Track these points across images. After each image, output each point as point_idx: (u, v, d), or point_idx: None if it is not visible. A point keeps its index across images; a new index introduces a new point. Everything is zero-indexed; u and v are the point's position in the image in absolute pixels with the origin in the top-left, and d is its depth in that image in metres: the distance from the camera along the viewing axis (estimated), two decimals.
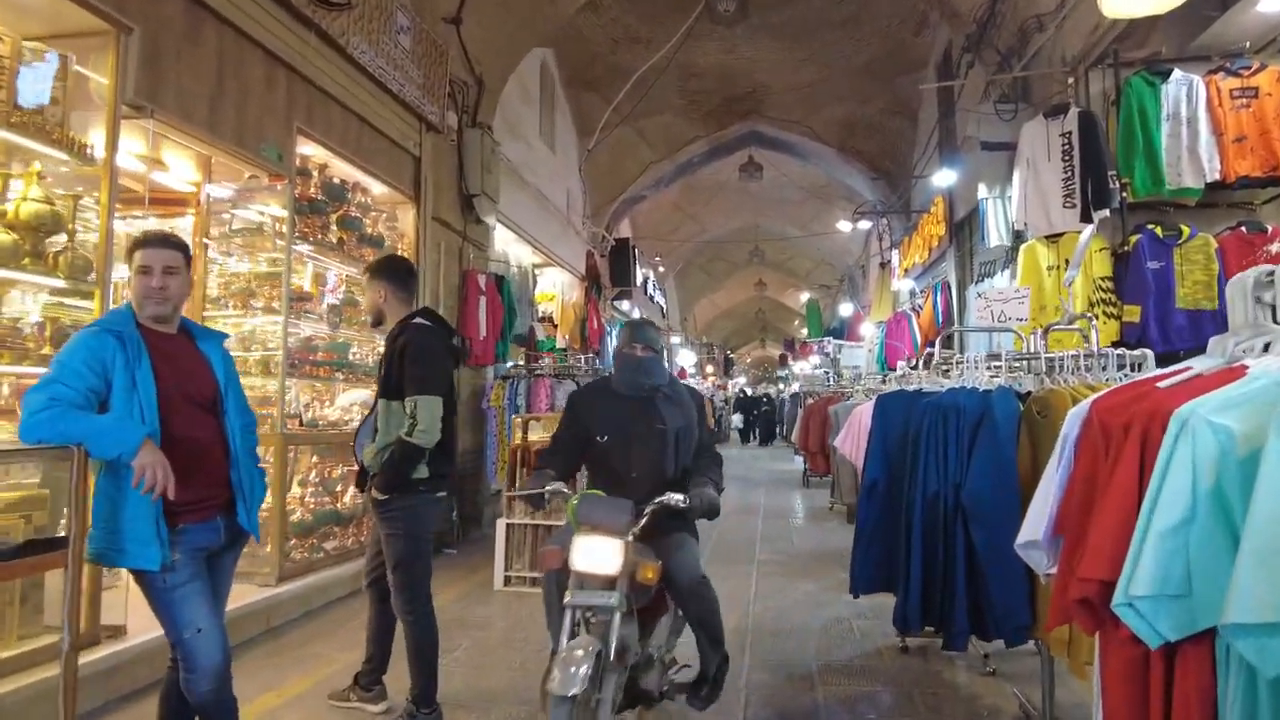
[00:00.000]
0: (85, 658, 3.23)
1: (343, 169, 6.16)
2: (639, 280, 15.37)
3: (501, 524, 5.71)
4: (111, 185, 3.71)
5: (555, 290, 11.84)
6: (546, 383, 7.57)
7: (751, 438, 23.53)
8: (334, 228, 6.04)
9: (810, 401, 10.05)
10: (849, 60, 11.52)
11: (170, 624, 2.32)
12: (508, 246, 10.02)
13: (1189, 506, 1.26)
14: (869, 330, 14.39)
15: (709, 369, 28.18)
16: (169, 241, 2.50)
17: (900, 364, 12.14)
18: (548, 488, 2.79)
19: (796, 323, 30.28)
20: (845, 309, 16.12)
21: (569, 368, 8.32)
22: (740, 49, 11.58)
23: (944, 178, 8.83)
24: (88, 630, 3.37)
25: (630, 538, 2.52)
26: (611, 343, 13.56)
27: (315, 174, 5.96)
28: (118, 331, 2.32)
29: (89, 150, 3.66)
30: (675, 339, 22.22)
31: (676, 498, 2.65)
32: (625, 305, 15.39)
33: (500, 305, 8.11)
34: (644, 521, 2.60)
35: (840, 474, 6.18)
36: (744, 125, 13.36)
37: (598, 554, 2.48)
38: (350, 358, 6.31)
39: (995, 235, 6.32)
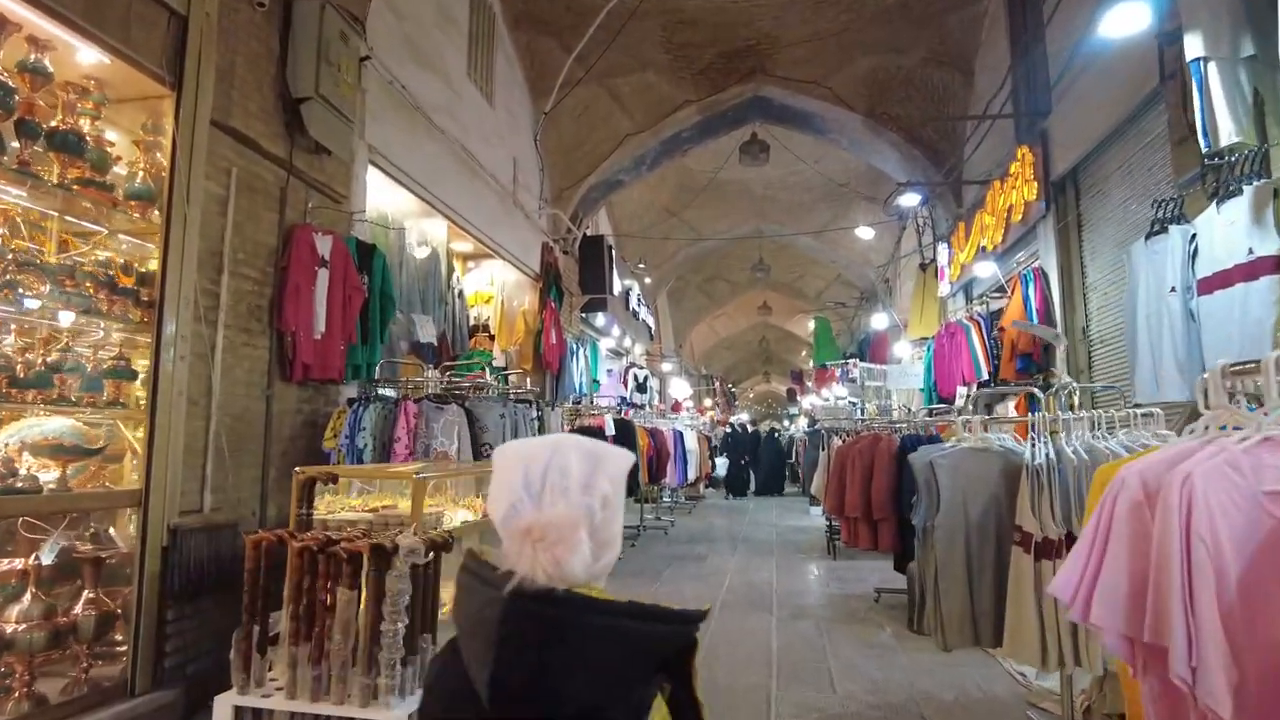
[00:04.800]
0: None
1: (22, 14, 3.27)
2: (618, 289, 12.39)
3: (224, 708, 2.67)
4: None
5: (493, 289, 8.85)
6: (410, 409, 4.55)
7: (745, 489, 18.12)
8: None
9: (843, 443, 6.97)
10: None
11: None
12: (411, 218, 7.07)
13: None
14: (904, 350, 11.35)
15: (707, 402, 25.01)
16: None
17: (960, 391, 9.16)
18: None
19: (805, 353, 27.17)
20: (879, 320, 12.99)
21: (476, 389, 5.33)
22: None
23: (1064, 111, 5.86)
24: None
25: None
26: (577, 366, 10.53)
27: None
28: None
29: None
30: (667, 366, 19.15)
31: None
32: (599, 320, 12.38)
33: (359, 288, 5.12)
34: None
35: (942, 589, 3.09)
36: (745, 88, 10.47)
37: None
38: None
39: (1229, 123, 3.35)
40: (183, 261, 3.91)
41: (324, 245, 4.90)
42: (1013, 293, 6.70)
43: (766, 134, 11.89)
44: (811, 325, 21.24)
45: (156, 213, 3.92)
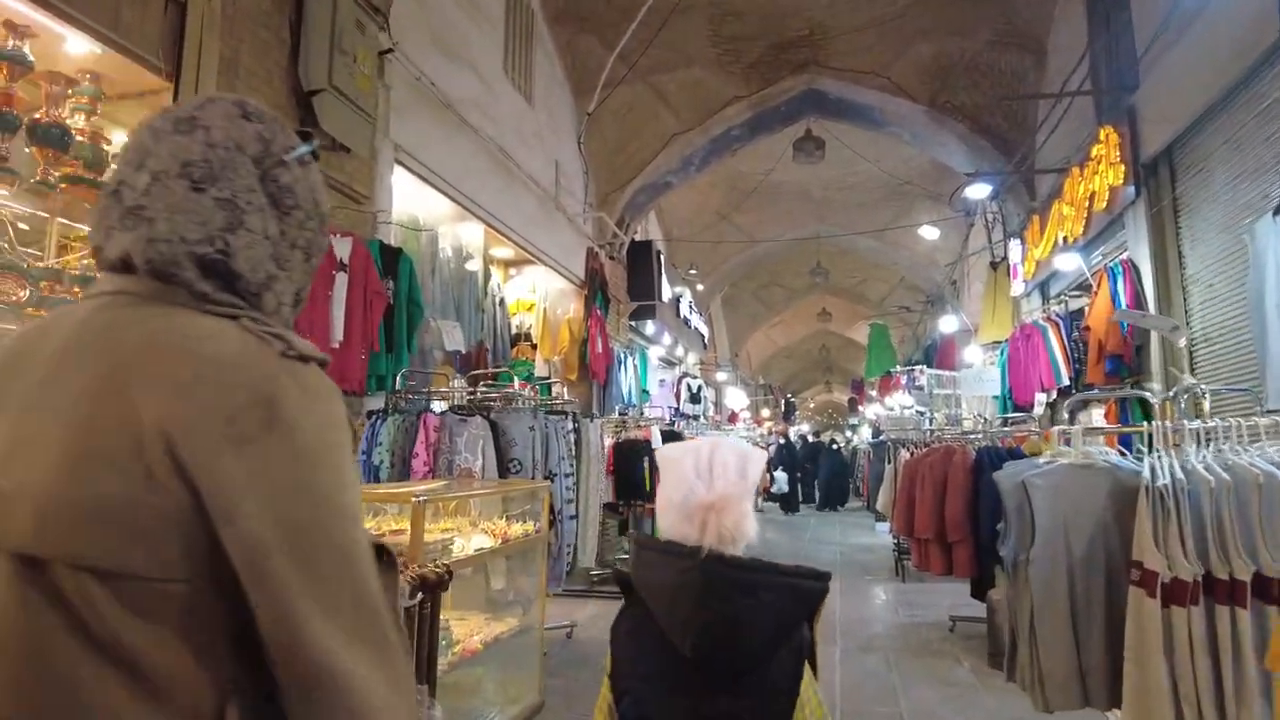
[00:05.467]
0: None
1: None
2: (667, 296, 11.94)
3: None
4: None
5: (535, 297, 8.51)
6: (431, 421, 4.18)
7: (800, 502, 17.05)
8: None
9: (912, 456, 6.37)
10: None
11: None
12: (445, 223, 6.77)
13: None
14: (974, 355, 10.62)
15: (764, 413, 24.31)
16: None
17: (1039, 399, 8.45)
18: None
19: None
20: (947, 323, 12.20)
21: (507, 400, 4.95)
22: None
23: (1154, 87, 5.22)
24: None
25: None
26: (625, 375, 10.12)
27: None
28: None
29: None
30: (721, 375, 18.60)
31: None
32: (649, 328, 11.96)
33: (382, 293, 4.80)
34: None
35: (1041, 637, 2.54)
36: (798, 81, 9.96)
37: None
38: None
39: None
40: None
41: (342, 248, 4.59)
42: (1098, 289, 6.03)
43: (822, 130, 11.34)
44: (869, 325, 20.39)
45: None
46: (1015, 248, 9.25)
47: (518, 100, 7.94)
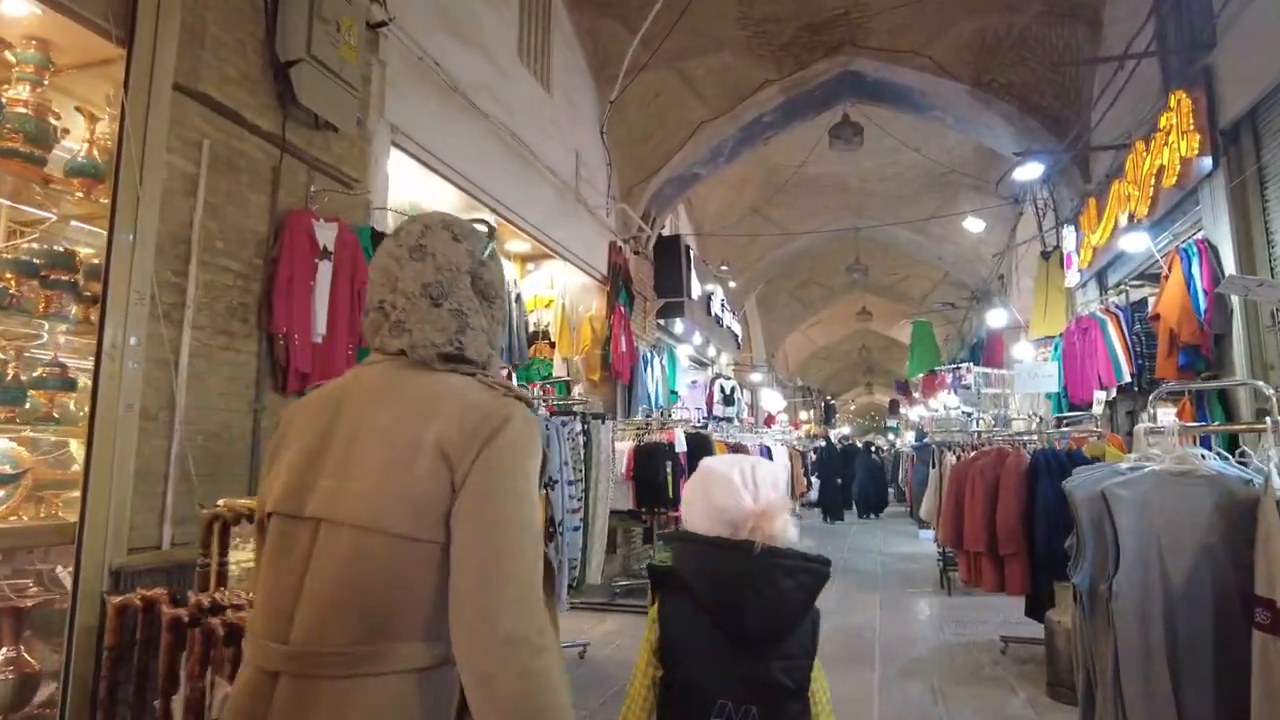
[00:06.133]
0: None
1: None
2: (697, 293, 11.44)
3: None
4: None
5: (554, 293, 8.09)
6: None
7: (842, 510, 16.17)
8: None
9: (959, 460, 5.80)
10: None
11: None
12: (455, 214, 6.38)
13: None
14: (1025, 351, 9.94)
15: (803, 415, 23.60)
16: None
17: (1098, 397, 7.78)
18: None
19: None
20: (995, 317, 11.43)
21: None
22: None
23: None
24: None
25: None
26: (652, 376, 9.66)
27: None
28: None
29: None
30: (756, 376, 18.00)
31: None
32: (678, 326, 11.48)
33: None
34: None
35: (1128, 686, 2.03)
36: (833, 63, 9.41)
37: None
38: None
39: None
40: (134, 248, 3.25)
41: (326, 234, 4.21)
42: (1170, 272, 5.40)
43: (860, 117, 10.76)
44: (912, 324, 19.57)
45: (112, 193, 3.30)
46: (1069, 235, 8.59)
47: (534, 86, 7.54)
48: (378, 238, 4.66)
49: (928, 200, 14.30)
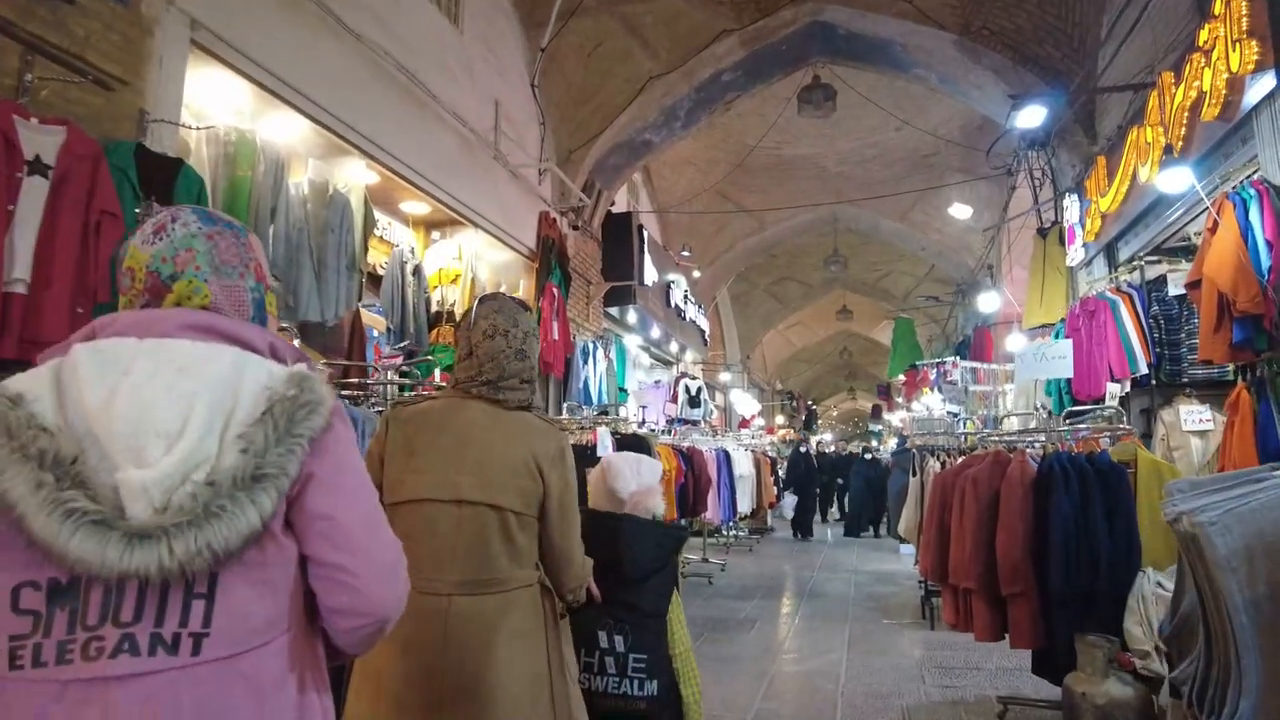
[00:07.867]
0: None
1: None
2: (652, 279, 10.14)
3: None
4: None
5: (462, 267, 6.79)
6: None
7: (820, 526, 14.50)
8: None
9: (944, 467, 4.53)
10: None
11: None
12: (320, 157, 5.07)
13: None
14: (1018, 344, 8.71)
15: (780, 419, 22.35)
16: None
17: (1111, 390, 6.56)
18: None
19: None
20: (986, 302, 10.10)
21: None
22: None
23: None
24: None
25: None
26: (594, 370, 8.38)
27: None
28: None
29: None
30: (725, 376, 16.72)
31: None
32: (630, 317, 10.20)
33: (118, 216, 3.11)
34: None
35: None
36: (800, 11, 8.19)
37: None
38: None
39: None
40: None
41: (37, 139, 2.91)
42: (1218, 222, 4.16)
43: (837, 85, 9.55)
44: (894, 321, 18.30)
45: None
46: (1072, 205, 7.40)
47: (437, 18, 6.27)
48: (150, 159, 3.37)
49: (911, 184, 13.11)
